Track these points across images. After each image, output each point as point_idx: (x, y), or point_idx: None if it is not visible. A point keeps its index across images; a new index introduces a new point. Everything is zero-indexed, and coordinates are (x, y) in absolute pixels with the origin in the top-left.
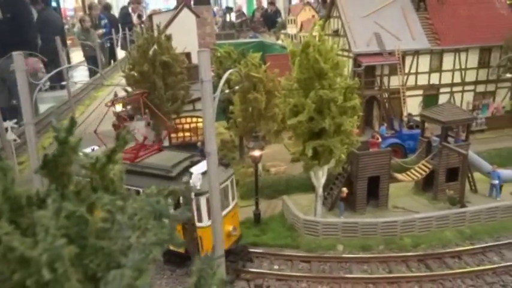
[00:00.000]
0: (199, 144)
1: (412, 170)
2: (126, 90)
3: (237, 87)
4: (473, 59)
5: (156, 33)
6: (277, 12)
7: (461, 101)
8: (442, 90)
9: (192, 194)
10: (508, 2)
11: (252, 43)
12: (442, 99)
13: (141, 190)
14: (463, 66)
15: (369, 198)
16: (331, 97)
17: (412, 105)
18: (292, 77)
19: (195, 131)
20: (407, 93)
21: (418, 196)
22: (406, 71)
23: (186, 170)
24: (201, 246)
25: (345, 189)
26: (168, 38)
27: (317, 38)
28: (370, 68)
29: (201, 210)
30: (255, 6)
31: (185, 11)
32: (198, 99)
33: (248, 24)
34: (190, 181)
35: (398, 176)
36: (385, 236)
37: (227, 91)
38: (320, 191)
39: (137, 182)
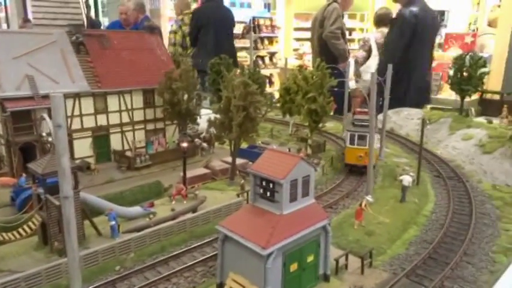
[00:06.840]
0: None
1: (25, 226)
2: None
3: None
4: (138, 100)
5: None
6: None
7: (134, 139)
8: (112, 130)
9: None
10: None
11: None
12: (115, 138)
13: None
14: (129, 107)
15: None
16: None
17: (83, 147)
18: None
19: None
20: (76, 135)
21: (38, 252)
22: (69, 114)
23: None
24: None
25: None
26: None
27: None
28: (25, 112)
29: None
30: None
31: None
32: None
33: None
34: None
35: None
36: None
37: None
38: None
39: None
